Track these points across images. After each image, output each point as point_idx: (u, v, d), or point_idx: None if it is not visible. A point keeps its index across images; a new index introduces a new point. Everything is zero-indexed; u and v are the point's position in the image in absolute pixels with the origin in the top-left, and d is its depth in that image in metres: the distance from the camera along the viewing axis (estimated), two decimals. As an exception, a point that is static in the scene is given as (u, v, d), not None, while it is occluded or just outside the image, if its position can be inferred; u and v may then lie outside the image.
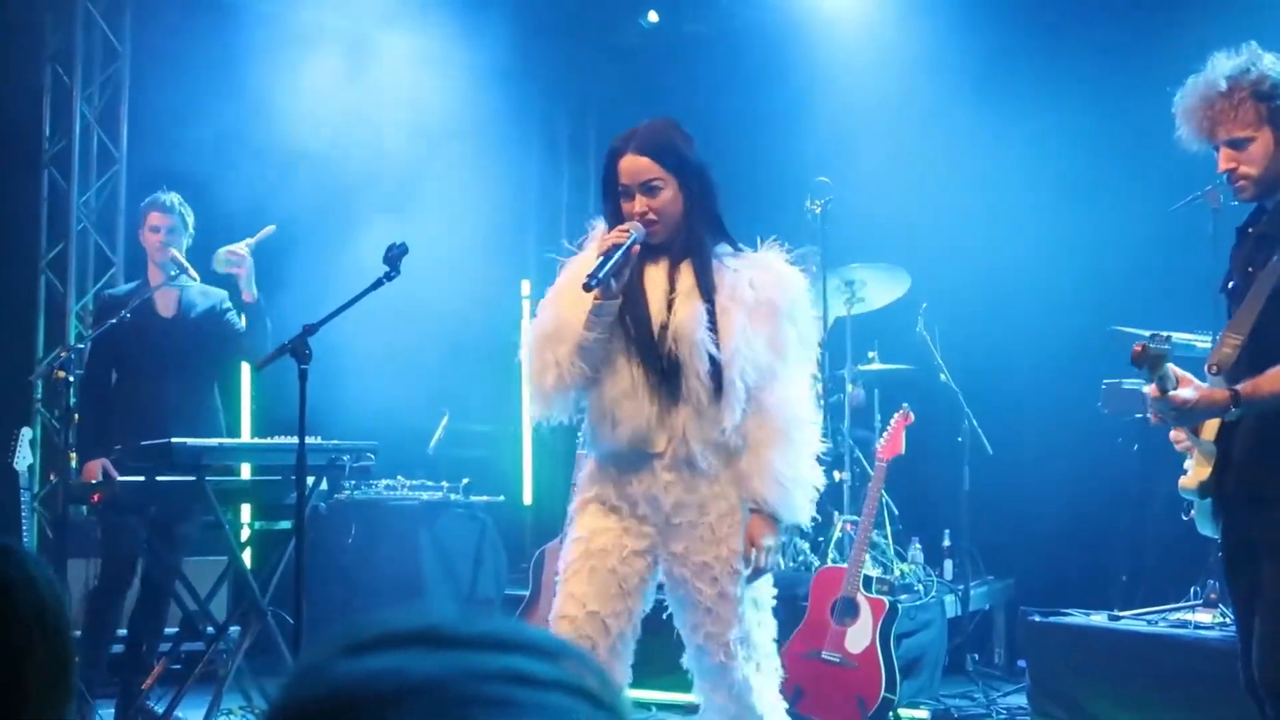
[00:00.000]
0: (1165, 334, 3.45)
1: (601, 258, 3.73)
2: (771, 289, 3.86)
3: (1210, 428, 3.65)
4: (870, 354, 7.61)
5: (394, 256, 4.36)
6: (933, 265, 7.73)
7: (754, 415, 3.82)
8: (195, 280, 6.20)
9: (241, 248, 6.08)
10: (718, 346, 3.79)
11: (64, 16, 8.49)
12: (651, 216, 3.84)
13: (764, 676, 3.94)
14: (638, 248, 3.80)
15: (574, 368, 3.84)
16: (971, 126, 8.14)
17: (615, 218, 3.90)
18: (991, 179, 8.20)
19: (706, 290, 3.84)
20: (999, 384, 7.80)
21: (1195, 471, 3.70)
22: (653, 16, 9.57)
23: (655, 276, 3.91)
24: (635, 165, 3.85)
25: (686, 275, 3.88)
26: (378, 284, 4.38)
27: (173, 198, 6.41)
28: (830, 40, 8.82)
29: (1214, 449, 3.64)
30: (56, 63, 8.49)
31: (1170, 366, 3.48)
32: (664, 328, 3.84)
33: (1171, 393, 3.48)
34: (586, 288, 3.71)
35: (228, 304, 6.33)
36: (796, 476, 3.84)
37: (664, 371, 3.84)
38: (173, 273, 6.16)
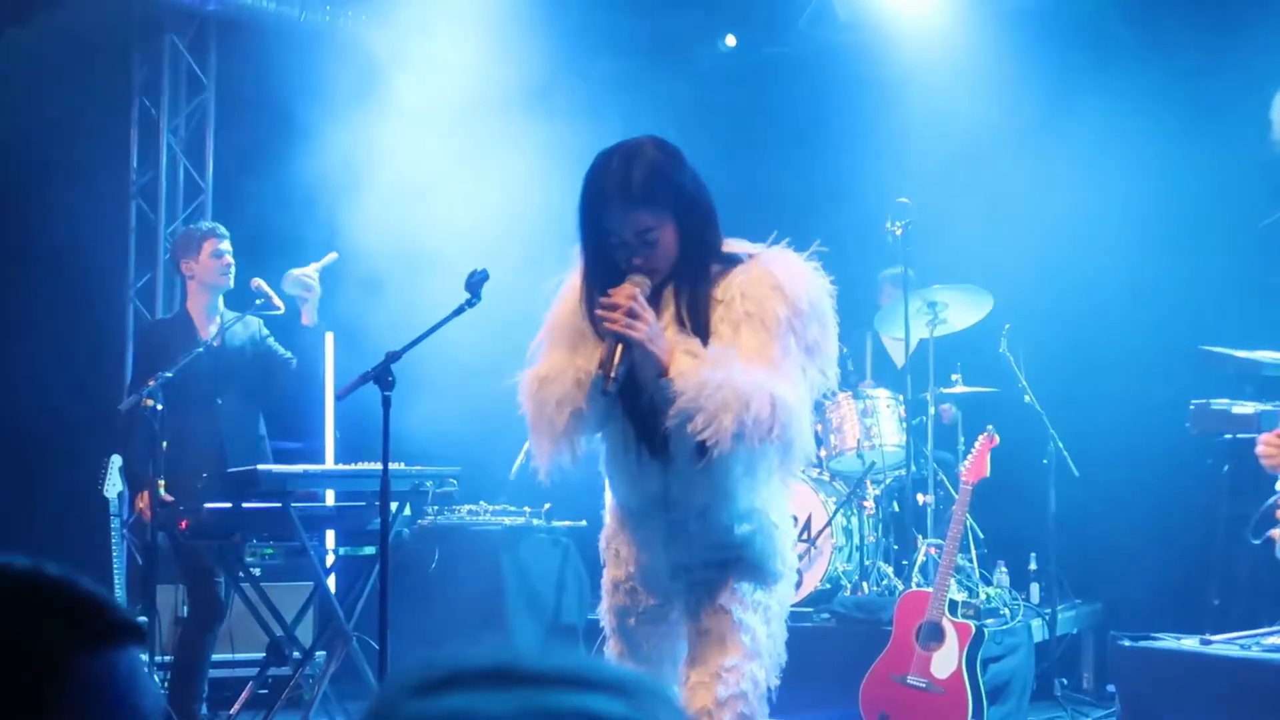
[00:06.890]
0: None
1: (611, 343, 3.21)
2: (764, 295, 3.28)
3: None
4: (954, 376, 7.54)
5: (475, 283, 4.36)
6: (1015, 285, 7.64)
7: None
8: (280, 309, 6.24)
9: (313, 273, 6.12)
10: None
11: (150, 50, 8.64)
12: (649, 268, 3.31)
13: None
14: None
15: (569, 431, 3.39)
16: (1053, 144, 8.06)
17: (602, 266, 3.37)
18: (1074, 197, 8.10)
19: (694, 319, 3.31)
20: (1084, 405, 7.69)
21: None
22: (730, 40, 9.57)
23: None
24: (628, 219, 3.27)
25: (669, 307, 3.34)
26: (459, 311, 4.39)
27: (219, 225, 6.47)
28: (908, 61, 8.77)
29: None
30: (144, 95, 8.64)
31: None
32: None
33: None
34: (604, 393, 3.25)
35: (265, 330, 6.40)
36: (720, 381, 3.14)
37: (648, 424, 3.33)
38: (258, 300, 6.21)
